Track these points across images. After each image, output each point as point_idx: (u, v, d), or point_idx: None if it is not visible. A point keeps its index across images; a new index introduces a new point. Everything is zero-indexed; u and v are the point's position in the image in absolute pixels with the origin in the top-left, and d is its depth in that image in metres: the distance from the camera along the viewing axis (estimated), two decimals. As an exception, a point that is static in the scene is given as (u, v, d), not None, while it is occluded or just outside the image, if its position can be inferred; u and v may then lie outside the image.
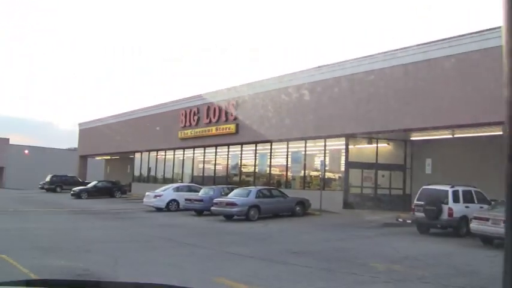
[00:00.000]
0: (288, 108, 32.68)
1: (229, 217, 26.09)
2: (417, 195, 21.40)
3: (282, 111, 32.84)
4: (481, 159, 25.70)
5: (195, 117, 41.61)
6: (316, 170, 33.15)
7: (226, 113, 38.21)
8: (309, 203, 28.25)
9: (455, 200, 20.11)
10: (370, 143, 30.95)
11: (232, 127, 37.36)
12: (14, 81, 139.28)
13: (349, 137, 30.11)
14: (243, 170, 39.02)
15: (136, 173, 52.03)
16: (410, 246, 17.53)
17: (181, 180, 43.91)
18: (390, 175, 30.96)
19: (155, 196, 31.58)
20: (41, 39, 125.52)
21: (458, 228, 19.85)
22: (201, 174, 42.66)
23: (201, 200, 28.56)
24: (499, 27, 3.16)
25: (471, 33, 23.49)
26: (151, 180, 49.07)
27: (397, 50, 27.18)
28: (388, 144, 31.15)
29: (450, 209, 19.85)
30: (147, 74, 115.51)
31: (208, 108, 40.02)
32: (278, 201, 26.92)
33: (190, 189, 32.95)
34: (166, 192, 31.98)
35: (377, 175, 30.71)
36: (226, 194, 28.69)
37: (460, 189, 20.57)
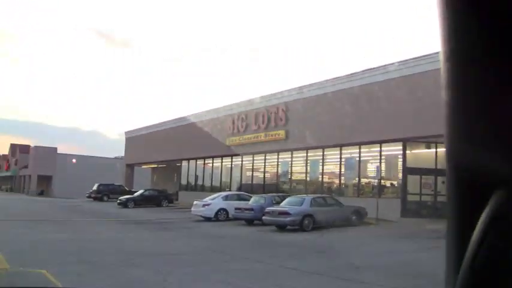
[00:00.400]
0: (340, 113, 31.26)
1: (281, 227, 24.87)
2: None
3: (335, 115, 31.49)
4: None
5: (243, 124, 40.52)
6: (371, 177, 31.58)
7: (275, 118, 36.98)
8: (365, 211, 26.69)
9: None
10: (428, 147, 29.18)
11: (281, 133, 36.11)
12: (62, 92, 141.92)
13: (407, 142, 28.46)
14: (293, 177, 37.65)
15: (183, 182, 51.19)
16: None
17: (229, 189, 42.85)
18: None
19: (203, 205, 30.54)
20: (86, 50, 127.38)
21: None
22: (250, 182, 41.46)
23: (251, 209, 27.35)
24: None
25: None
26: (199, 188, 48.14)
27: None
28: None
29: None
30: (191, 81, 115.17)
31: (257, 114, 38.88)
32: (333, 210, 25.46)
33: (239, 198, 31.83)
34: (215, 201, 30.90)
35: (437, 181, 28.89)
36: (278, 203, 27.49)
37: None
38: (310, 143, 32.87)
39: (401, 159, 29.10)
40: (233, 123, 41.55)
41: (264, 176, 40.17)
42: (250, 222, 27.90)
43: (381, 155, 29.86)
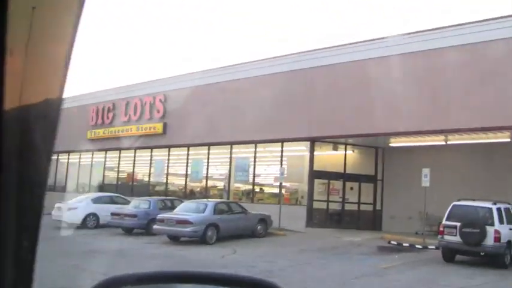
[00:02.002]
0: (232, 106, 27.13)
1: (175, 238, 20.15)
2: (447, 214, 16.61)
3: (225, 109, 27.28)
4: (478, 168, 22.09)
5: (110, 114, 34.80)
6: (269, 181, 27.76)
7: (151, 109, 31.85)
8: (270, 220, 22.81)
9: (501, 220, 15.52)
10: (335, 149, 26.02)
11: (158, 127, 31.12)
12: None
13: (315, 141, 25.00)
14: (171, 178, 32.63)
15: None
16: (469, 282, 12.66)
17: (88, 190, 36.70)
18: (359, 187, 26.13)
19: (69, 209, 24.61)
20: None
21: (503, 256, 15.27)
22: (115, 183, 35.67)
23: (134, 216, 22.17)
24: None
25: None
26: (49, 188, 41.10)
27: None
28: (353, 151, 26.39)
29: (497, 231, 15.20)
30: None
31: (128, 104, 33.43)
32: (238, 219, 21.21)
33: (112, 201, 26.36)
34: (83, 204, 25.13)
35: (345, 187, 25.79)
36: (166, 209, 22.74)
37: (502, 206, 16.04)
38: (194, 139, 28.41)
39: (303, 161, 25.56)
40: (97, 113, 35.59)
41: (133, 175, 34.58)
42: (129, 231, 22.86)
43: (282, 156, 26.07)
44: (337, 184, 25.75)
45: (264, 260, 15.95)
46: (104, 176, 36.77)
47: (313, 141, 24.82)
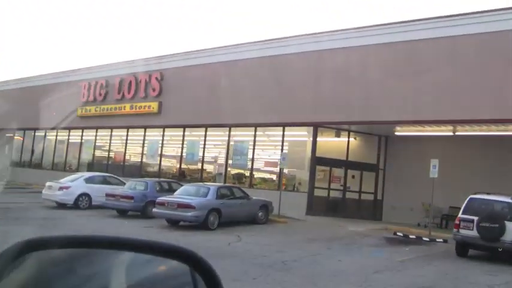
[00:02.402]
0: (233, 87, 26.28)
1: (174, 223, 19.40)
2: (463, 207, 16.00)
3: (225, 90, 26.40)
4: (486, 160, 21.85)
5: (103, 91, 33.71)
6: (269, 166, 27.07)
7: (146, 87, 30.84)
8: (272, 206, 22.12)
9: (520, 216, 14.97)
10: (338, 135, 25.34)
11: (154, 106, 30.14)
12: None
13: (318, 127, 24.27)
14: (165, 160, 31.71)
15: (15, 157, 42.38)
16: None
17: (77, 169, 35.68)
18: (361, 176, 25.51)
19: (60, 188, 23.68)
20: None
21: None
22: (106, 162, 34.62)
23: (131, 198, 21.30)
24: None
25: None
26: (35, 166, 39.96)
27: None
28: (355, 138, 25.72)
29: (518, 228, 14.63)
30: (39, 35, 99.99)
31: (122, 81, 32.38)
32: (241, 204, 20.48)
33: (105, 181, 25.46)
34: (76, 183, 24.16)
35: (347, 175, 25.15)
36: (164, 191, 21.94)
37: (521, 201, 15.48)
38: (191, 120, 27.58)
39: (306, 147, 24.86)
40: (89, 89, 34.46)
41: (125, 155, 33.56)
42: (123, 213, 22.09)
43: (283, 141, 25.31)
44: (338, 172, 25.07)
45: (273, 249, 15.27)
46: (94, 155, 35.75)
47: (317, 127, 24.09)
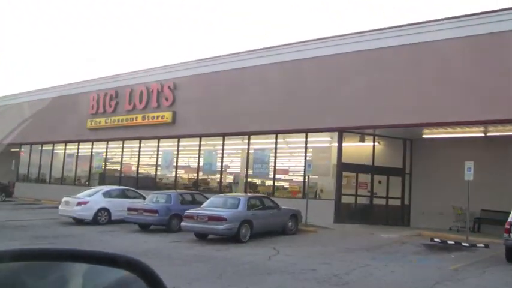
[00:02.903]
0: (251, 93, 25.60)
1: (203, 236, 18.61)
2: (514, 211, 15.27)
3: (242, 97, 25.74)
4: None
5: (112, 102, 32.91)
6: (292, 173, 26.30)
7: (158, 97, 30.06)
8: (301, 216, 21.37)
9: None
10: (362, 140, 24.59)
11: (167, 116, 29.35)
12: None
13: (343, 132, 23.54)
14: (181, 170, 30.81)
15: (23, 171, 41.42)
16: None
17: (88, 183, 34.83)
18: (388, 181, 24.76)
19: (78, 203, 22.83)
20: None
21: None
22: (118, 175, 33.75)
23: (155, 211, 20.48)
24: None
25: None
26: (44, 180, 39.07)
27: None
28: (378, 143, 24.96)
29: None
30: (47, 47, 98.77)
31: (132, 92, 31.58)
32: (271, 215, 19.70)
33: (124, 195, 24.69)
34: (94, 198, 23.31)
35: (373, 181, 24.40)
36: (187, 203, 21.20)
37: None
38: (207, 129, 26.82)
39: (331, 153, 24.13)
40: (98, 101, 33.65)
41: (138, 167, 32.69)
42: (146, 227, 21.28)
43: (306, 148, 24.55)
44: (364, 177, 24.32)
45: (317, 261, 14.45)
46: (105, 167, 34.87)
47: (342, 132, 23.36)
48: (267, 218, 19.20)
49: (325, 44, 23.45)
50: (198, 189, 27.68)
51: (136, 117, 30.95)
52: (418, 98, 20.78)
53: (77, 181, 36.53)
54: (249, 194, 21.68)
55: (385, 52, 21.74)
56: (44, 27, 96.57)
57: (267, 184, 26.63)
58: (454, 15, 20.73)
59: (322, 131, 24.07)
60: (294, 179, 26.16)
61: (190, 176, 30.33)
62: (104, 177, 34.12)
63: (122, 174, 33.45)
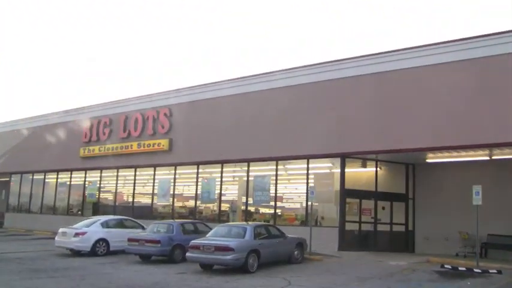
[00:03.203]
0: (249, 120, 25.33)
1: (207, 267, 18.04)
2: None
3: (241, 123, 25.43)
4: None
5: (106, 130, 32.37)
6: (293, 201, 25.88)
7: (154, 124, 29.60)
8: (306, 244, 20.92)
9: None
10: (364, 165, 24.28)
11: (164, 143, 28.88)
12: None
13: (346, 157, 23.22)
14: (177, 199, 30.17)
15: (13, 201, 40.48)
16: None
17: (81, 213, 34.10)
18: (391, 207, 24.41)
19: (76, 234, 22.17)
20: None
21: None
22: (112, 204, 33.05)
23: (157, 242, 19.90)
24: None
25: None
26: (35, 211, 38.18)
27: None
28: (380, 168, 24.66)
29: None
30: (36, 75, 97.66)
31: (127, 119, 31.10)
32: (278, 243, 19.20)
33: (122, 225, 24.11)
34: (92, 228, 22.67)
35: (377, 207, 24.03)
36: (189, 233, 20.73)
37: None
38: (205, 156, 26.41)
39: (333, 179, 23.75)
40: (91, 128, 33.09)
41: (134, 196, 32.01)
42: (147, 258, 20.69)
43: (308, 174, 24.17)
44: (368, 203, 23.94)
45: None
46: (99, 197, 34.15)
47: (344, 157, 23.03)
48: (273, 247, 18.71)
49: (325, 68, 23.26)
50: (195, 218, 27.16)
51: (132, 145, 30.44)
52: (421, 122, 20.53)
53: (70, 211, 35.78)
54: (254, 223, 21.18)
55: (388, 76, 21.55)
56: (44, 27, 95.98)
57: (266, 212, 26.15)
58: (453, 39, 20.63)
59: (323, 157, 23.68)
60: (295, 206, 25.72)
61: (188, 204, 29.71)
62: (98, 207, 33.42)
63: (117, 204, 32.74)
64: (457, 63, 20.07)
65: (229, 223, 22.07)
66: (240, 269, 17.28)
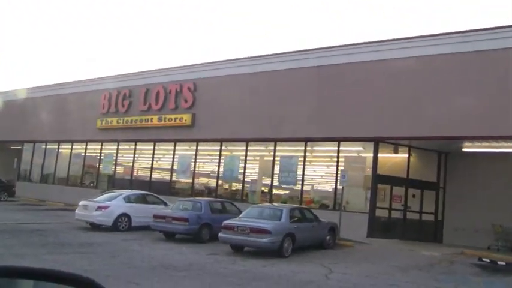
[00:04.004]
0: (278, 97, 24.49)
1: (239, 249, 17.35)
2: None
3: (269, 101, 24.61)
4: None
5: (125, 102, 31.53)
6: (321, 184, 25.19)
7: (176, 98, 28.76)
8: (338, 229, 20.25)
9: None
10: (396, 151, 23.53)
11: (186, 118, 28.05)
12: None
13: (379, 142, 22.45)
14: (197, 176, 29.44)
15: (24, 170, 39.73)
16: None
17: (95, 185, 33.42)
18: (422, 195, 23.72)
19: (98, 208, 21.45)
20: None
21: None
22: (129, 178, 32.28)
23: (185, 220, 19.19)
24: None
25: None
26: (47, 180, 37.49)
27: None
28: (411, 155, 23.90)
29: None
30: (54, 41, 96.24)
31: (148, 91, 30.24)
32: (312, 228, 18.56)
33: (145, 200, 23.40)
34: (115, 203, 21.93)
35: (407, 194, 23.33)
36: (217, 212, 20.07)
37: None
38: (229, 134, 25.64)
39: (365, 163, 23.05)
40: (109, 99, 32.26)
41: (152, 171, 31.24)
42: (170, 236, 19.97)
43: (338, 157, 23.41)
44: (398, 190, 23.23)
45: (382, 282, 13.33)
46: (115, 170, 33.41)
47: (377, 142, 22.26)
48: (308, 231, 18.06)
49: (368, 49, 22.34)
50: (216, 196, 26.49)
51: (152, 119, 29.61)
52: (465, 109, 19.72)
53: (82, 183, 35.08)
54: (290, 205, 20.44)
55: (432, 59, 20.68)
56: (43, 27, 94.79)
57: (287, 193, 25.48)
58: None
59: (356, 140, 22.90)
60: (322, 189, 25.05)
61: (207, 182, 29.03)
62: (113, 180, 32.65)
63: (133, 178, 31.99)
64: (503, 50, 19.22)
65: (263, 204, 21.39)
66: (273, 252, 16.63)
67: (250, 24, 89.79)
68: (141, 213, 21.73)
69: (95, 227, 21.81)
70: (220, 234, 17.23)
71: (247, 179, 27.01)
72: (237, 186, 27.56)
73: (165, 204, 23.10)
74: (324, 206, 23.82)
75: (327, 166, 24.63)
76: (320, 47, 24.17)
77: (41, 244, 16.67)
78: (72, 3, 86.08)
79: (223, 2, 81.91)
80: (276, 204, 21.84)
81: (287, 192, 25.57)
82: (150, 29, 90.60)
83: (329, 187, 24.40)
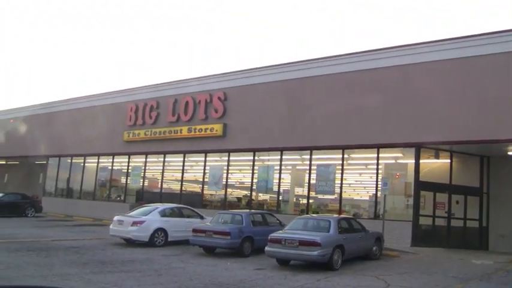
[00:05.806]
0: (313, 105, 23.92)
1: (285, 262, 16.74)
2: None
3: (303, 108, 24.03)
4: None
5: (153, 114, 31.09)
6: (358, 191, 24.53)
7: (206, 108, 28.27)
8: (383, 239, 19.59)
9: None
10: (437, 157, 22.83)
11: (217, 128, 27.56)
12: None
13: (421, 148, 21.78)
14: (230, 187, 28.89)
15: (49, 185, 39.38)
16: None
17: (123, 199, 32.96)
18: (465, 201, 22.99)
19: (134, 223, 20.92)
20: None
21: None
22: (158, 191, 31.79)
23: (226, 234, 18.60)
24: None
25: None
26: (73, 195, 37.11)
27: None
28: (451, 159, 23.19)
29: None
30: (83, 56, 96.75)
31: (176, 102, 29.80)
32: (360, 238, 17.90)
33: (180, 214, 22.84)
34: (150, 217, 21.39)
35: (451, 200, 22.62)
36: (258, 225, 19.54)
37: None
38: (262, 143, 25.09)
39: (404, 170, 22.37)
40: (136, 112, 31.84)
41: (182, 183, 30.71)
42: (210, 250, 19.37)
43: (378, 164, 22.77)
44: (441, 197, 22.53)
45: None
46: (143, 183, 32.94)
47: (419, 147, 21.59)
48: (356, 242, 17.42)
49: (405, 52, 21.75)
50: (250, 207, 25.93)
51: (181, 130, 29.14)
52: (503, 110, 19.00)
53: (109, 197, 34.65)
54: (337, 216, 19.83)
55: (472, 61, 20.03)
56: (44, 27, 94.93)
57: (328, 204, 24.87)
58: None
59: (396, 147, 22.25)
60: (361, 198, 24.41)
61: (241, 193, 28.48)
62: (142, 194, 32.18)
63: (162, 191, 31.48)
64: None
65: (309, 215, 20.78)
66: (322, 265, 16.00)
67: (250, 24, 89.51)
68: (177, 227, 21.27)
69: (130, 242, 21.28)
70: (266, 248, 16.62)
71: (280, 189, 26.42)
72: (268, 196, 26.98)
73: (201, 217, 22.57)
74: (360, 215, 23.18)
75: (365, 174, 23.95)
76: (355, 51, 23.55)
77: (81, 263, 16.17)
78: (73, 3, 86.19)
79: (223, 2, 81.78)
80: (323, 215, 21.18)
81: (323, 201, 24.96)
82: (149, 29, 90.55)
83: (366, 195, 23.70)
